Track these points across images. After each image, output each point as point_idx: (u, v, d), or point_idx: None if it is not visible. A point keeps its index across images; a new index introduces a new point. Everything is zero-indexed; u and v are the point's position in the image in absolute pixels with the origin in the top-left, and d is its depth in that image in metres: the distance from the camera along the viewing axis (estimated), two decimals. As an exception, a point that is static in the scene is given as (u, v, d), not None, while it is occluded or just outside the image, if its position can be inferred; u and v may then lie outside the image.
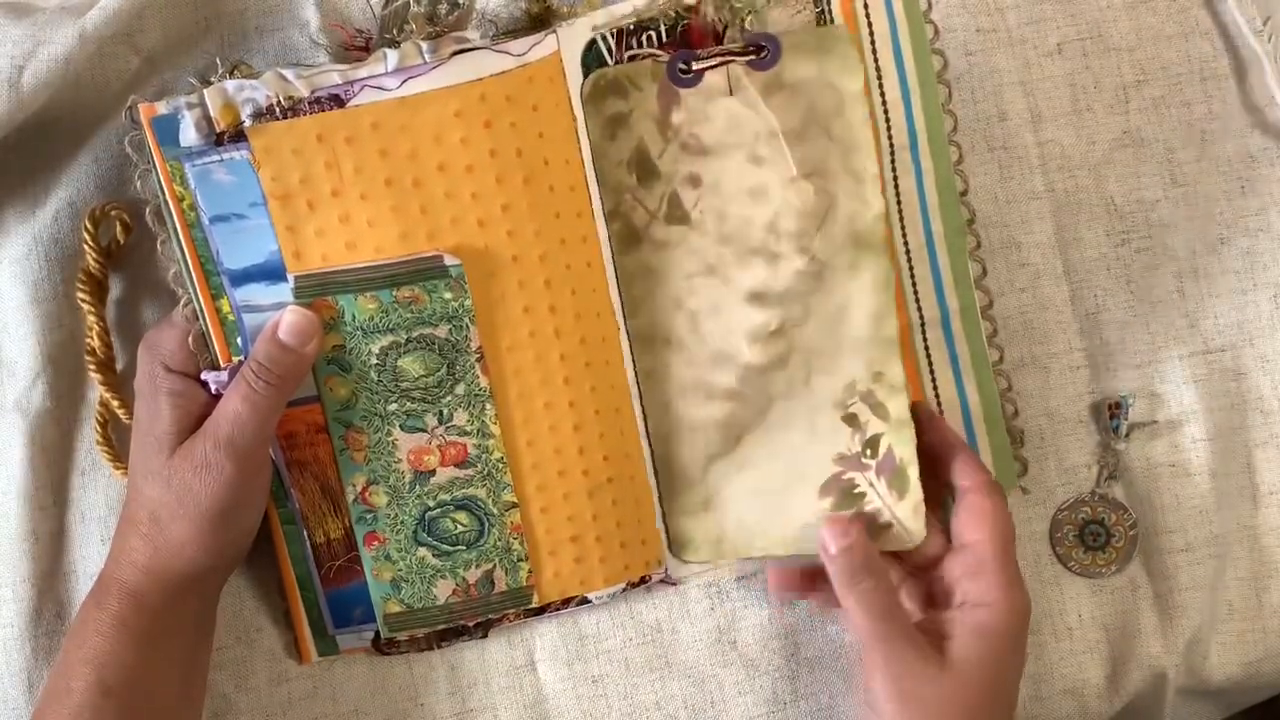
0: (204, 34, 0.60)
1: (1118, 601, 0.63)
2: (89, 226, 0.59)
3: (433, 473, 0.58)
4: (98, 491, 0.60)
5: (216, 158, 0.54)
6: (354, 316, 0.56)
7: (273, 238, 0.55)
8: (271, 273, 0.55)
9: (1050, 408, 0.63)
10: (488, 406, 0.58)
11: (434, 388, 0.57)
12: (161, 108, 0.54)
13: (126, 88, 0.59)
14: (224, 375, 0.55)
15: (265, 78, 0.54)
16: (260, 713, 0.61)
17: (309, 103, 0.54)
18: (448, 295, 0.56)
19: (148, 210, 0.56)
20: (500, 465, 0.58)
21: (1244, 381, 0.64)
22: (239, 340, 0.56)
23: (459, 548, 0.59)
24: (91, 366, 0.59)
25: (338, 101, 0.54)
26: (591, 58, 0.57)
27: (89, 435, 0.60)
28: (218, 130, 0.54)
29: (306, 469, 0.58)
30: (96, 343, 0.59)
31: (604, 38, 0.57)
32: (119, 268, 0.61)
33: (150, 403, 0.55)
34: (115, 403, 0.59)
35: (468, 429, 0.58)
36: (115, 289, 0.61)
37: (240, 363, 0.55)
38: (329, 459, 0.58)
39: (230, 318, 0.56)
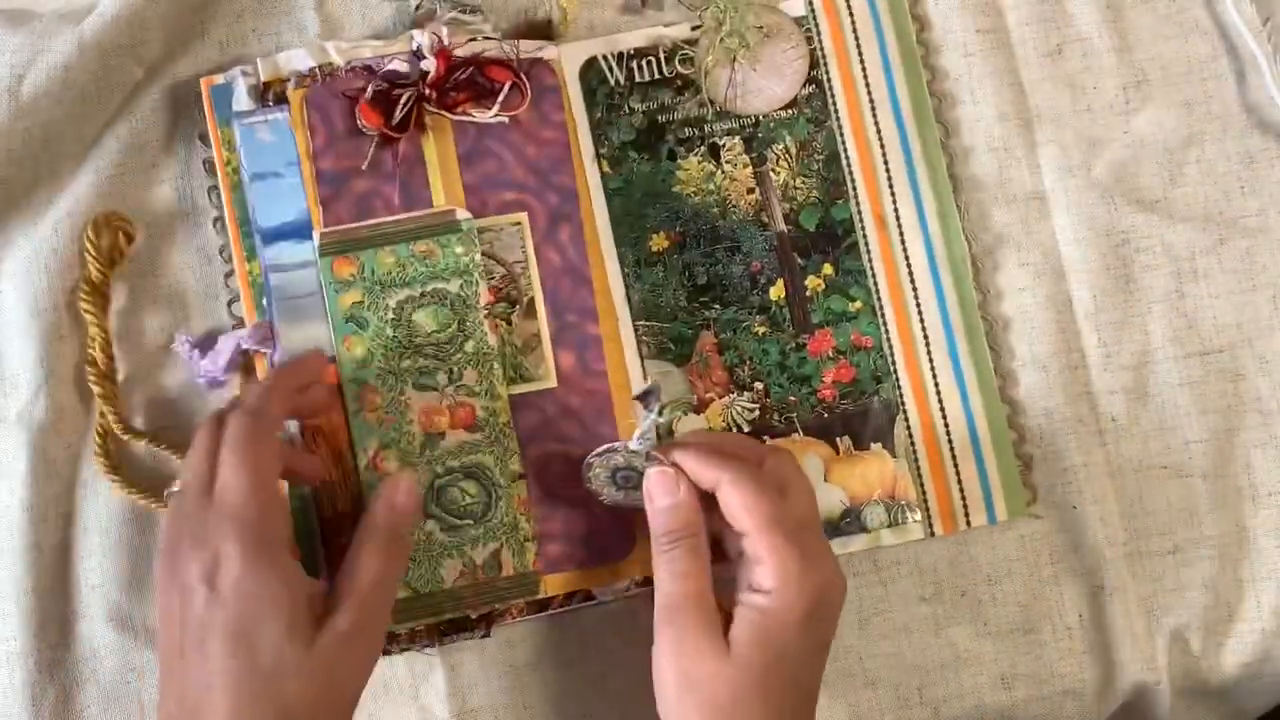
0: (201, 39, 0.61)
1: (1116, 602, 0.63)
2: (91, 235, 0.59)
3: (442, 435, 0.59)
4: (100, 504, 0.60)
5: (261, 118, 0.60)
6: (373, 271, 0.59)
7: (304, 196, 0.59)
8: (300, 230, 0.60)
9: (1049, 407, 0.63)
10: (495, 365, 0.59)
11: (445, 344, 0.59)
12: (220, 79, 0.60)
13: (127, 95, 0.59)
14: (219, 362, 0.58)
15: (307, 44, 0.60)
16: (263, 716, 0.61)
17: (345, 70, 0.60)
18: (459, 250, 0.59)
19: (201, 160, 0.60)
20: (507, 430, 0.59)
21: (1242, 383, 0.64)
22: (264, 301, 0.59)
23: (466, 522, 0.59)
24: (92, 377, 0.59)
25: (370, 71, 0.60)
26: (593, 75, 0.58)
27: (91, 447, 0.60)
28: (263, 88, 0.60)
29: (319, 434, 0.59)
30: (98, 354, 0.59)
31: (604, 57, 0.57)
32: (120, 279, 0.60)
33: (244, 594, 0.48)
34: (112, 416, 0.59)
35: (476, 389, 0.59)
36: (117, 299, 0.60)
37: (264, 323, 0.58)
38: (342, 425, 0.59)
39: (259, 280, 0.59)
